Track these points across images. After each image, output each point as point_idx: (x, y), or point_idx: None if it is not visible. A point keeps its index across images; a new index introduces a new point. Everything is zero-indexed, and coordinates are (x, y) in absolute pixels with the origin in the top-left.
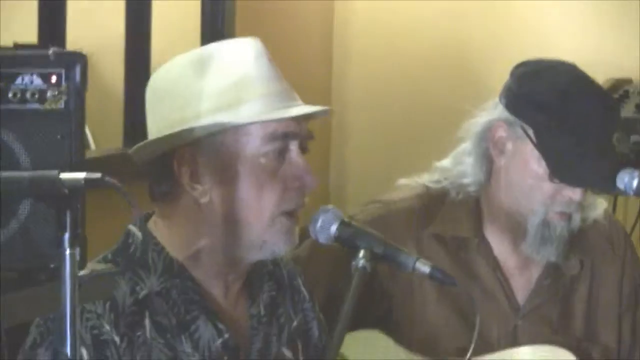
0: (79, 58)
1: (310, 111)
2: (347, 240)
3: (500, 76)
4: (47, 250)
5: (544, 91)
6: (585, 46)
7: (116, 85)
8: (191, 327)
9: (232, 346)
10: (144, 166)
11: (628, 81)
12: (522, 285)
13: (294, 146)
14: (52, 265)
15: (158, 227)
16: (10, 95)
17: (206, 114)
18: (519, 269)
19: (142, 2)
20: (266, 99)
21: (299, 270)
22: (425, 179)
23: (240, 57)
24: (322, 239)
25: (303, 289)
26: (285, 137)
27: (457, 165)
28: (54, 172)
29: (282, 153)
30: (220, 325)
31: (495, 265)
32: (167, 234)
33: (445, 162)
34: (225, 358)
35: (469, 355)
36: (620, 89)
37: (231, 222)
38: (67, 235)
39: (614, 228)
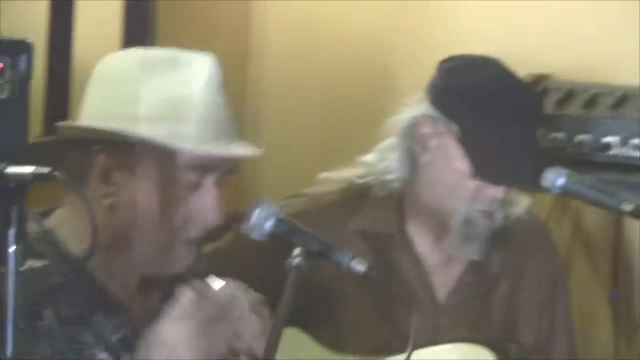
0: (25, 46)
1: (244, 154)
2: (282, 237)
3: (417, 73)
4: None
5: (469, 87)
6: (502, 40)
7: (36, 84)
8: (91, 320)
9: (130, 341)
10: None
11: (546, 77)
12: (443, 282)
13: (210, 179)
14: None
15: (63, 217)
16: None
17: (141, 119)
18: (441, 266)
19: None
20: (202, 125)
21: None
22: (349, 174)
23: (193, 73)
24: (255, 235)
25: None
26: (207, 169)
27: (382, 160)
28: None
29: (195, 184)
30: (117, 321)
31: (417, 262)
32: (71, 225)
33: (370, 157)
34: (124, 352)
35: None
36: (538, 85)
37: (126, 232)
38: (12, 231)
39: (535, 225)
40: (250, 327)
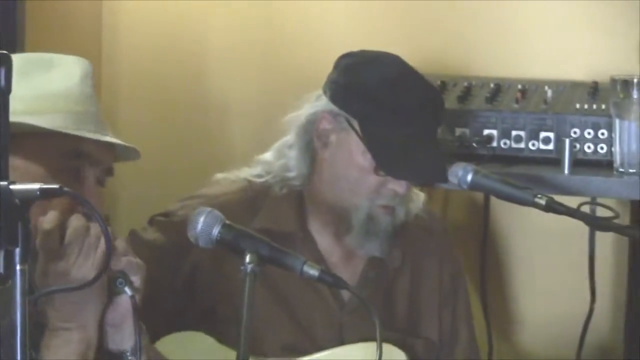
0: (4, 59)
1: (117, 142)
2: (230, 243)
3: (279, 66)
4: None
5: (370, 82)
6: (405, 39)
7: None
8: None
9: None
10: None
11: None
12: (346, 278)
13: (90, 173)
14: None
15: None
16: None
17: (16, 113)
18: (343, 262)
19: None
20: (79, 116)
21: None
22: (247, 173)
23: (67, 71)
24: (202, 242)
25: None
26: (84, 158)
27: (280, 158)
28: (3, 183)
29: (76, 174)
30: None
31: (319, 259)
32: None
33: (267, 156)
34: None
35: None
36: (436, 81)
37: None
38: (18, 250)
39: (433, 221)
40: None
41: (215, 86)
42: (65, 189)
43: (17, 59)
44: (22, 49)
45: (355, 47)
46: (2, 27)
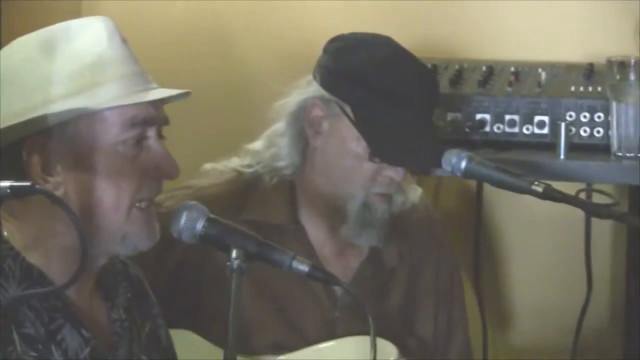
0: None
1: (170, 94)
2: (215, 238)
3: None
4: None
5: (361, 65)
6: (395, 21)
7: None
8: (58, 336)
9: (100, 355)
10: None
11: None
12: (339, 274)
13: (152, 132)
14: None
15: (8, 229)
16: None
17: (57, 99)
18: (336, 256)
19: None
20: (122, 82)
21: (142, 274)
22: (236, 163)
23: (92, 37)
24: (186, 237)
25: (151, 293)
26: (145, 123)
27: (270, 147)
28: None
29: (140, 140)
30: (86, 333)
31: (311, 252)
32: (19, 235)
33: (257, 145)
34: None
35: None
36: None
37: (89, 216)
38: None
39: (430, 214)
40: None
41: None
42: (38, 186)
43: (31, 39)
44: None
45: (344, 30)
46: None
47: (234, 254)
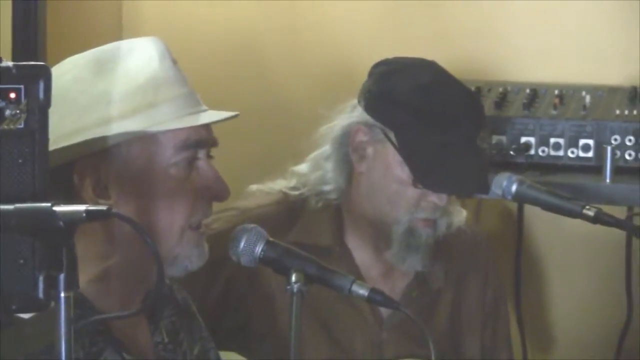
0: (43, 71)
1: (222, 117)
2: (275, 261)
3: (298, 73)
4: (9, 290)
5: (405, 90)
6: (438, 44)
7: None
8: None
9: None
10: None
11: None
12: None
13: (202, 154)
14: (14, 307)
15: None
16: None
17: (110, 121)
18: (382, 278)
19: None
20: (175, 103)
21: (190, 297)
22: (282, 185)
23: (144, 58)
24: (245, 261)
25: (199, 316)
26: (196, 145)
27: (316, 170)
28: (46, 205)
29: (191, 162)
30: (127, 357)
31: (357, 274)
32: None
33: (303, 168)
34: None
35: None
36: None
37: (137, 243)
38: (62, 276)
39: (476, 235)
40: None
41: (234, 88)
42: (114, 210)
43: (81, 59)
44: (43, 50)
45: (385, 54)
46: (23, 28)
47: (293, 277)
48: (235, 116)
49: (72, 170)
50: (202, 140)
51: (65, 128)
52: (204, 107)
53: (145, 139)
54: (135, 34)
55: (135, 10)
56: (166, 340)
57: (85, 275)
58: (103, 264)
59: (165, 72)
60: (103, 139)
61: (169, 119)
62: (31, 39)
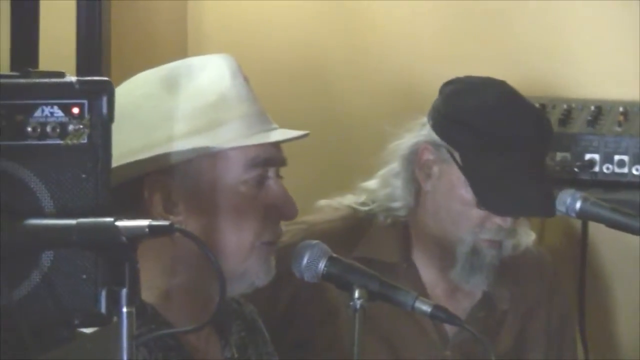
0: (106, 86)
1: (293, 135)
2: (337, 277)
3: (354, 75)
4: (71, 305)
5: (471, 110)
6: (501, 60)
7: None
8: None
9: None
10: None
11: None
12: None
13: (272, 173)
14: (76, 322)
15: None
16: (29, 129)
17: (181, 137)
18: (447, 296)
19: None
20: (245, 121)
21: (257, 311)
22: (351, 200)
23: (215, 75)
24: (308, 277)
25: (265, 331)
26: (266, 163)
27: (385, 187)
28: (109, 220)
29: (260, 180)
30: None
31: (423, 292)
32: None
33: (372, 184)
34: None
35: None
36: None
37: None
38: (124, 291)
39: (542, 256)
40: None
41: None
42: (177, 226)
43: (152, 75)
44: (107, 50)
45: (447, 71)
46: (87, 28)
47: (356, 293)
48: (306, 135)
49: (142, 186)
50: (271, 158)
51: (135, 143)
52: (274, 125)
53: (216, 156)
54: (200, 34)
55: (200, 10)
56: (236, 355)
57: (158, 291)
58: (175, 280)
59: (236, 90)
60: (173, 154)
61: (239, 136)
62: (95, 39)
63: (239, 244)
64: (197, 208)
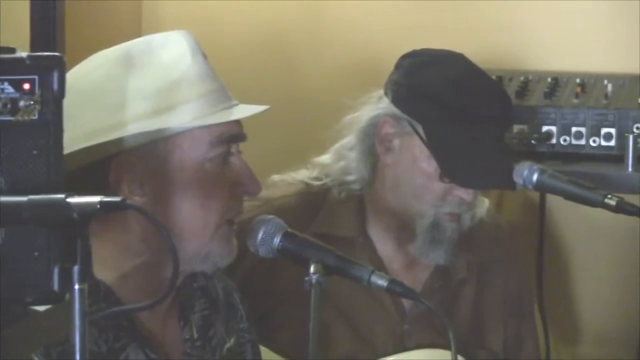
0: (57, 61)
1: (254, 111)
2: (293, 252)
3: (313, 56)
4: (23, 282)
5: (435, 83)
6: (458, 33)
7: None
8: (121, 355)
9: None
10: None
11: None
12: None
13: (235, 149)
14: (28, 299)
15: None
16: None
17: (145, 117)
18: (405, 269)
19: None
20: (207, 99)
21: (235, 286)
22: (304, 176)
23: (175, 53)
24: (263, 252)
25: (240, 307)
26: (230, 140)
27: (339, 161)
28: (59, 196)
29: (225, 157)
30: (151, 354)
31: (379, 266)
32: (95, 254)
33: (325, 158)
34: None
35: None
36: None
37: (175, 235)
38: (77, 268)
39: (499, 226)
40: None
41: (256, 85)
42: (129, 202)
43: (111, 53)
44: (61, 49)
45: (406, 44)
46: (42, 27)
47: (312, 268)
48: (266, 109)
49: (108, 168)
50: (235, 135)
51: (99, 125)
52: (235, 102)
53: (181, 135)
54: (156, 11)
55: (155, 9)
56: (195, 336)
57: (115, 271)
58: (134, 261)
59: (197, 67)
60: (136, 135)
61: (203, 114)
62: (50, 38)
63: (205, 223)
64: (164, 188)
